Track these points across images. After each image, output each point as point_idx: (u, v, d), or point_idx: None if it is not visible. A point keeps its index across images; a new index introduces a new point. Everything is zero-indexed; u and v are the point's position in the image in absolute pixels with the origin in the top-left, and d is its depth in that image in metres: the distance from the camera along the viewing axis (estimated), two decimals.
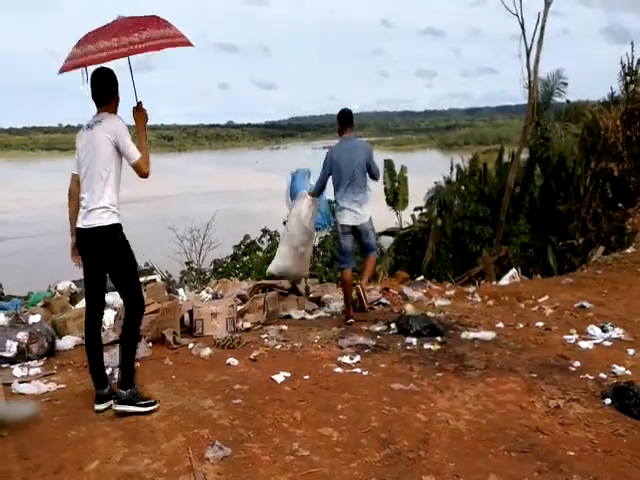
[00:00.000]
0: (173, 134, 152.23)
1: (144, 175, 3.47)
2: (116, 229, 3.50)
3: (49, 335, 4.62)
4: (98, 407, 3.54)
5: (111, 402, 3.53)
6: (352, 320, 5.57)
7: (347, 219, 5.61)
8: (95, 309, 3.66)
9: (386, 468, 2.89)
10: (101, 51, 3.37)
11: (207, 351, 4.60)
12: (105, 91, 3.54)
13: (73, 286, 6.05)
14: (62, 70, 3.56)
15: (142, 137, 3.59)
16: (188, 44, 3.73)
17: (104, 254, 3.50)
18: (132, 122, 3.65)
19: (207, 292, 6.54)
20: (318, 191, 5.89)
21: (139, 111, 3.63)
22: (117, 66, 3.59)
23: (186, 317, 5.28)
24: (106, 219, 3.45)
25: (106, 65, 3.53)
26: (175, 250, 17.32)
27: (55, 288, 6.02)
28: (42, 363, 4.44)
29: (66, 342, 4.79)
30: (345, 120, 5.68)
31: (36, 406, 3.48)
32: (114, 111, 3.58)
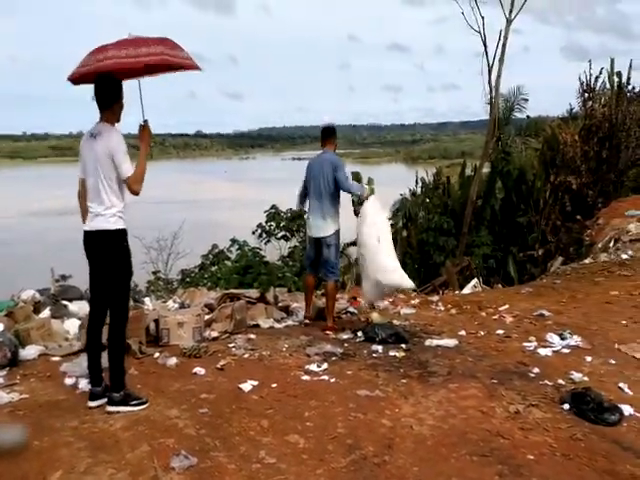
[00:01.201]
0: (138, 144, 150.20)
1: (134, 192, 3.58)
2: (121, 234, 3.62)
3: (12, 345, 4.52)
4: (91, 404, 3.69)
5: (103, 401, 3.64)
6: (308, 321, 5.99)
7: (312, 230, 5.81)
8: (98, 310, 3.77)
9: (352, 473, 2.93)
10: (120, 57, 3.47)
11: (173, 360, 4.57)
12: (107, 97, 3.61)
13: (37, 295, 5.92)
14: (72, 77, 3.66)
15: (142, 155, 3.67)
16: (197, 68, 3.91)
17: (105, 257, 3.60)
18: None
19: (174, 301, 6.48)
20: (300, 201, 6.08)
21: (144, 130, 3.71)
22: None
23: (152, 326, 5.22)
24: (112, 223, 3.58)
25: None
26: (141, 260, 17.06)
27: (18, 297, 5.88)
28: (5, 373, 4.33)
29: (29, 352, 4.69)
30: (323, 135, 5.94)
31: (25, 432, 3.29)
32: (116, 118, 3.66)
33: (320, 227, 5.72)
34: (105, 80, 3.60)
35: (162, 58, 3.59)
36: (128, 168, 3.51)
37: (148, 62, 3.57)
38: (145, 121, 3.74)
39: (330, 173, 5.63)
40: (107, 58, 3.48)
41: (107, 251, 3.61)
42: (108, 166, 3.52)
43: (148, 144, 3.74)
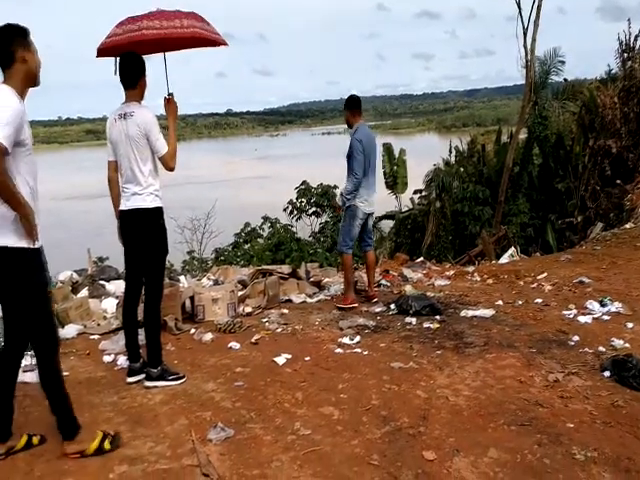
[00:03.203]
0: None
1: (169, 169, 3.60)
2: (159, 212, 3.65)
3: None
4: (129, 379, 3.76)
5: (141, 376, 3.72)
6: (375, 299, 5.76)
7: (370, 206, 5.62)
8: (134, 288, 3.82)
9: (387, 444, 2.92)
10: (155, 28, 3.51)
11: (209, 336, 4.64)
12: (132, 75, 3.60)
13: (74, 276, 6.07)
14: (102, 47, 3.68)
15: (172, 129, 3.68)
16: (225, 43, 3.97)
17: (143, 235, 3.63)
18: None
19: (208, 279, 6.56)
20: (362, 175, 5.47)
21: (170, 103, 3.72)
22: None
23: (187, 303, 5.30)
24: (150, 202, 3.60)
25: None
26: (176, 240, 17.35)
27: (57, 278, 6.04)
28: None
29: (69, 331, 4.82)
30: (357, 105, 5.60)
31: None
32: (141, 96, 3.65)
33: (374, 202, 5.69)
34: (130, 58, 3.59)
35: (194, 31, 3.60)
36: (163, 144, 3.51)
37: (182, 35, 3.57)
38: (170, 94, 3.73)
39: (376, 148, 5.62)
40: (143, 28, 3.49)
41: (144, 229, 3.63)
42: (143, 145, 3.52)
43: (175, 117, 3.74)
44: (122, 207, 3.68)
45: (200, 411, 3.32)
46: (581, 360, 3.96)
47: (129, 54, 3.59)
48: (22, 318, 2.73)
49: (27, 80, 2.72)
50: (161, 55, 3.98)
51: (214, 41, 3.88)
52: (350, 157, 5.41)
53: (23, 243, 2.63)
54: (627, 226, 9.16)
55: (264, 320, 5.09)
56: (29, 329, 2.76)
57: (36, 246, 2.69)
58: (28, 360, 4.19)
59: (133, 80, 3.59)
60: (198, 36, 3.67)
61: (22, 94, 2.68)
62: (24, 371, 3.94)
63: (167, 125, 3.72)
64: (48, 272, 2.93)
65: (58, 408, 2.85)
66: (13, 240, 2.61)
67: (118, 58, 3.61)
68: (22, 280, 2.66)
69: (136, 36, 3.49)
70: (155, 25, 3.50)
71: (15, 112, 2.53)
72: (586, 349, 4.15)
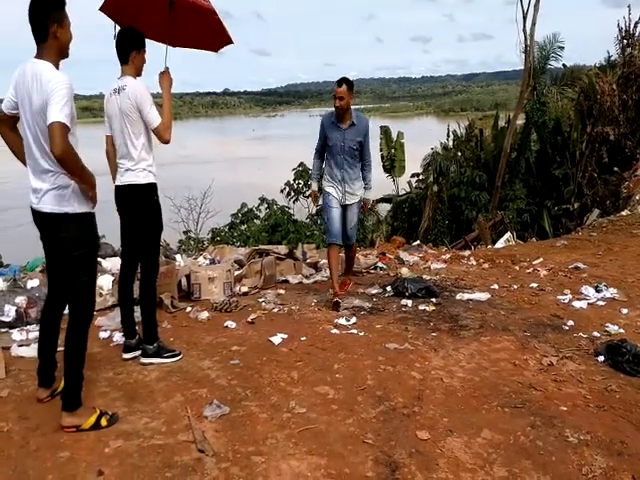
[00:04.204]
0: None
1: (164, 141, 3.55)
2: (151, 188, 3.61)
3: None
4: (125, 356, 3.78)
5: (137, 353, 3.74)
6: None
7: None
8: (129, 265, 3.82)
9: (381, 424, 2.94)
10: None
11: (205, 314, 4.64)
12: (124, 50, 3.55)
13: None
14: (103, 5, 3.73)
15: (167, 101, 3.62)
16: (230, 42, 4.19)
17: (136, 212, 3.62)
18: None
19: (204, 258, 6.54)
20: None
21: (165, 76, 3.68)
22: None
23: (183, 282, 5.29)
24: (142, 178, 3.57)
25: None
26: (172, 219, 17.28)
27: None
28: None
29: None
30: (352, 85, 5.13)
31: None
32: (135, 71, 3.59)
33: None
34: (124, 33, 3.54)
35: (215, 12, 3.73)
36: (156, 116, 3.46)
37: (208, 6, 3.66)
38: (166, 68, 3.68)
39: None
40: None
41: (137, 205, 3.61)
42: (136, 119, 3.48)
43: (169, 90, 3.67)
44: (117, 182, 3.67)
45: (196, 388, 3.32)
46: (575, 345, 3.99)
47: (125, 29, 3.55)
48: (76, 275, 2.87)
49: (60, 54, 2.80)
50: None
51: (222, 40, 4.03)
52: (367, 143, 5.18)
53: (85, 208, 2.85)
54: (623, 213, 9.20)
55: (260, 300, 5.09)
56: (73, 292, 2.90)
57: (92, 209, 2.91)
58: (24, 335, 4.20)
59: (125, 55, 3.55)
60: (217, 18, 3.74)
61: (57, 68, 2.74)
62: (19, 345, 3.95)
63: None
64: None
65: (71, 374, 2.88)
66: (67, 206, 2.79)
67: (117, 26, 3.58)
68: (85, 239, 2.86)
69: None
70: None
71: (68, 89, 2.62)
72: (580, 334, 4.18)
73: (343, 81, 4.91)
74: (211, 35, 4.11)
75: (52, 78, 2.61)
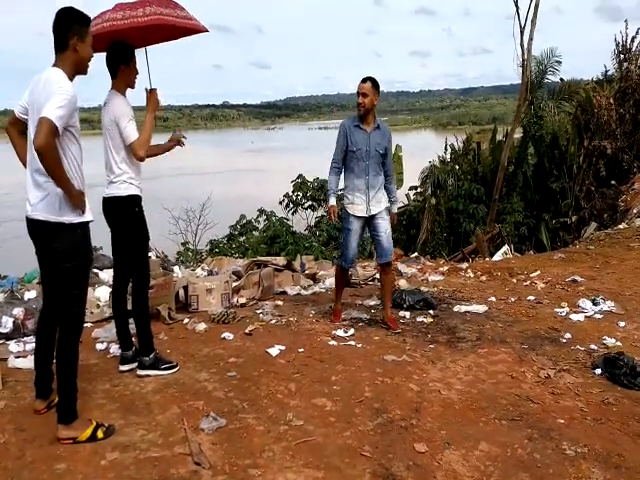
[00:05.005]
0: (168, 115, 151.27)
1: (138, 158, 3.57)
2: (133, 200, 3.61)
3: None
4: (122, 367, 3.76)
5: (134, 365, 3.72)
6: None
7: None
8: (121, 276, 3.81)
9: (379, 436, 2.93)
10: (116, 20, 3.45)
11: (202, 326, 4.63)
12: (112, 64, 3.58)
13: None
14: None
15: (148, 120, 3.62)
16: (204, 30, 3.87)
17: (120, 223, 3.64)
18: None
19: (202, 269, 6.54)
20: None
21: (151, 95, 3.69)
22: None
23: (181, 293, 5.29)
24: (123, 190, 3.58)
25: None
26: (171, 231, 17.28)
27: None
28: None
29: None
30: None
31: None
32: (126, 85, 3.61)
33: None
34: (112, 47, 3.56)
35: (159, 18, 3.48)
36: (131, 133, 3.46)
37: (146, 23, 3.44)
38: (153, 89, 3.69)
39: None
40: (104, 21, 3.45)
41: (120, 217, 3.63)
42: (115, 133, 3.51)
43: (153, 110, 3.67)
44: (103, 195, 3.68)
45: (192, 400, 3.31)
46: (573, 357, 3.99)
47: (114, 43, 3.56)
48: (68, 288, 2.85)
49: (77, 68, 2.86)
50: (163, 45, 3.96)
51: (191, 28, 3.77)
52: (390, 151, 4.84)
53: (79, 218, 2.83)
54: (621, 226, 9.23)
55: (258, 311, 5.09)
56: (63, 304, 2.87)
57: (85, 219, 2.87)
58: (21, 346, 4.19)
59: (114, 69, 3.58)
60: (164, 23, 3.54)
61: (71, 80, 2.78)
62: (16, 357, 3.94)
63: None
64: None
65: (64, 387, 2.86)
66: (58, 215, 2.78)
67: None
68: (77, 251, 2.84)
69: (98, 29, 3.40)
70: (117, 16, 3.43)
71: (71, 97, 2.66)
72: (578, 347, 4.18)
73: (368, 78, 4.56)
74: (176, 30, 3.86)
75: (58, 82, 2.67)
